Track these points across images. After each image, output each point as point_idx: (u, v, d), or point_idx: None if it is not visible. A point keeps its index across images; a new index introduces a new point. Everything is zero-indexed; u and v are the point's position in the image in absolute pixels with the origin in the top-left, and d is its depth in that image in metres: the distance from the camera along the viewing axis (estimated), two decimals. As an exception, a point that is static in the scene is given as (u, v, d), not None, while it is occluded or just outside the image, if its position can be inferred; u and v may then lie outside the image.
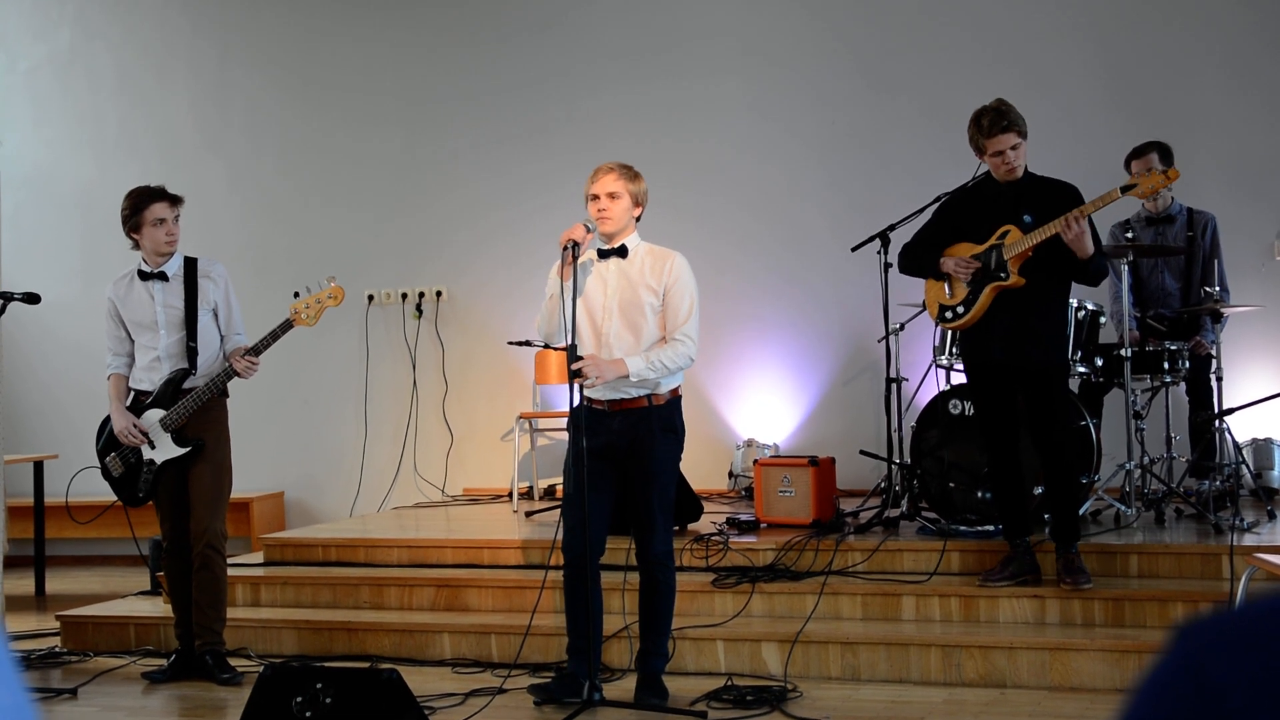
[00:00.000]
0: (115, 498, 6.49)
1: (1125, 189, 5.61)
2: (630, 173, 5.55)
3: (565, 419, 5.64)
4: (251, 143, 10.10)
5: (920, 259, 6.11)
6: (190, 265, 6.36)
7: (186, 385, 6.23)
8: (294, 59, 10.07)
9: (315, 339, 8.93)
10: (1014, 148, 5.79)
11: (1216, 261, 7.27)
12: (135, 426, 6.22)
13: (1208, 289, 7.07)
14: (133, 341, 6.35)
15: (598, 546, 5.51)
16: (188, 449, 6.23)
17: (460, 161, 9.68)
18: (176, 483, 6.28)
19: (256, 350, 6.17)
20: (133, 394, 6.33)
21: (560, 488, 8.79)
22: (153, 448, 6.25)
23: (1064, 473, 5.93)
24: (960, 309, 5.99)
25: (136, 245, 6.33)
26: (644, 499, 5.47)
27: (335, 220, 9.90)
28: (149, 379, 6.29)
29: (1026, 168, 5.91)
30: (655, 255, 5.54)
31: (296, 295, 6.31)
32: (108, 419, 6.36)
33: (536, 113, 9.49)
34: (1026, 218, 5.75)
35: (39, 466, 9.13)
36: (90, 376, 9.89)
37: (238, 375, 6.15)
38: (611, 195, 5.48)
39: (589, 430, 5.44)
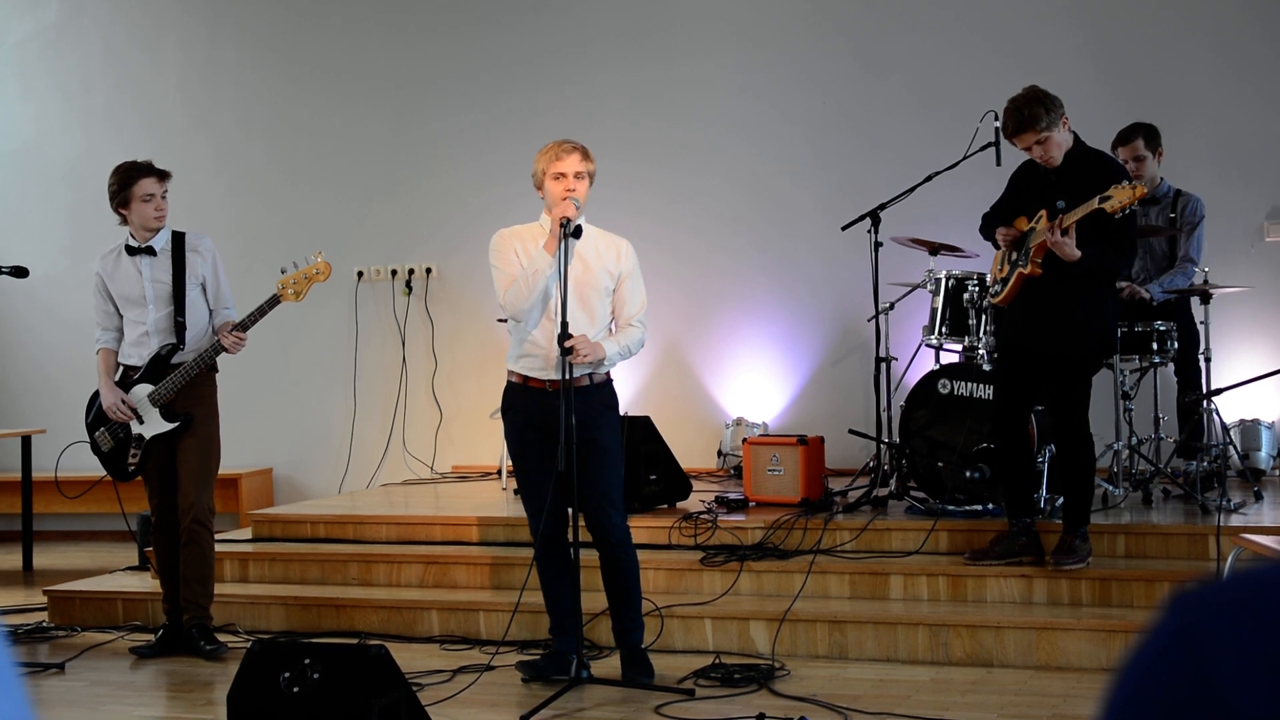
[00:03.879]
0: (104, 473, 6.48)
1: (1102, 200, 5.55)
2: (588, 153, 5.57)
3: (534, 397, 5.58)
4: (240, 122, 10.06)
5: (987, 227, 6.12)
6: (178, 239, 6.33)
7: (175, 360, 6.22)
8: (284, 39, 10.02)
9: (304, 315, 8.90)
10: (1039, 143, 5.73)
11: (1193, 238, 7.19)
12: (124, 402, 6.21)
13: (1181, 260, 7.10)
14: (121, 316, 6.32)
15: (564, 524, 5.51)
16: (176, 424, 6.22)
17: (450, 141, 9.64)
18: (165, 458, 6.27)
19: (244, 326, 6.15)
20: (121, 369, 6.31)
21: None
22: (141, 423, 6.23)
23: (1069, 461, 5.92)
24: (998, 288, 6.03)
25: (124, 220, 6.30)
26: (599, 480, 5.45)
27: (324, 199, 9.86)
28: (137, 354, 6.26)
29: (1078, 142, 5.83)
30: (607, 240, 5.60)
31: (283, 271, 6.29)
32: (96, 394, 6.34)
33: (527, 93, 9.45)
34: (1060, 203, 5.66)
35: (26, 441, 9.11)
36: (78, 351, 9.86)
37: (225, 351, 6.14)
38: (578, 175, 5.49)
39: (529, 410, 5.45)
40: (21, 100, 10.53)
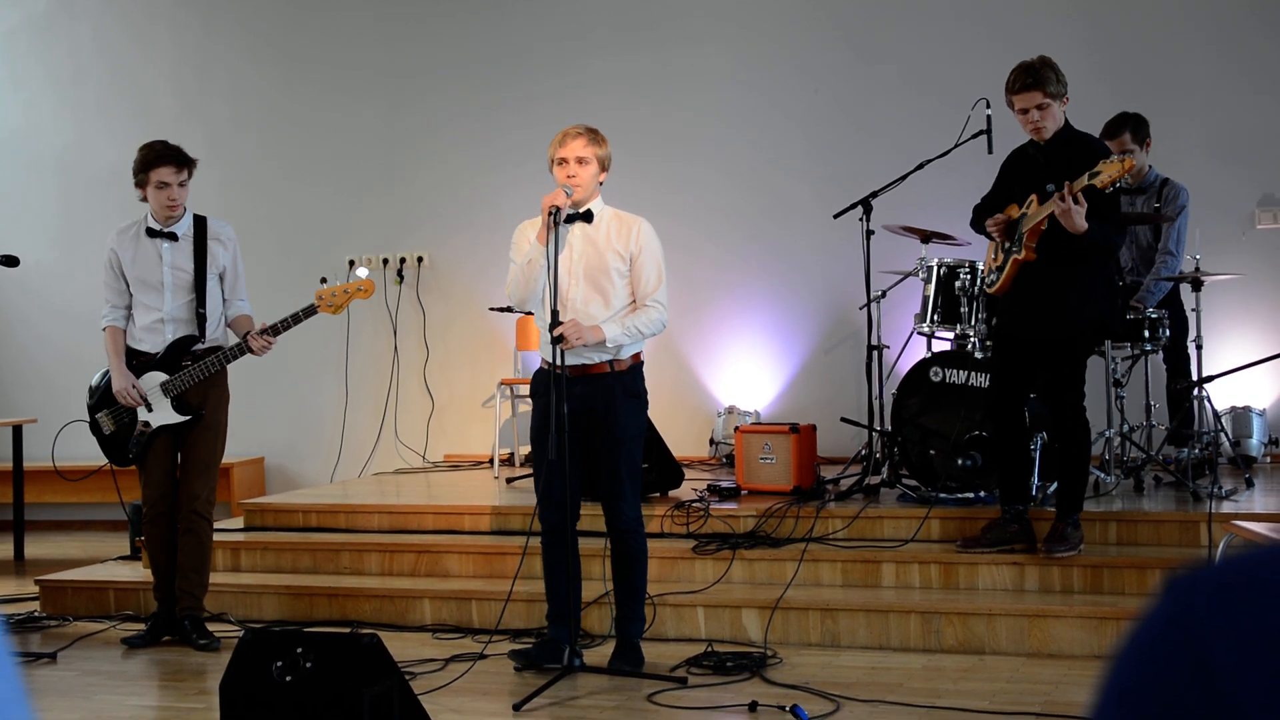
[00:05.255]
0: (100, 461, 6.39)
1: (1091, 176, 5.52)
2: (597, 137, 5.51)
3: (545, 384, 5.60)
4: (232, 111, 10.03)
5: (978, 219, 6.10)
6: (200, 225, 6.20)
7: (193, 350, 6.13)
8: (275, 28, 9.99)
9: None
10: (1039, 107, 5.67)
11: (1173, 229, 7.18)
12: (135, 388, 6.12)
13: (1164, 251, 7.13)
14: (131, 295, 6.20)
15: (573, 513, 5.51)
16: (188, 418, 6.13)
17: (443, 131, 9.63)
18: (168, 447, 6.18)
19: (275, 331, 6.04)
20: (127, 351, 6.20)
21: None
22: (149, 410, 6.15)
23: (1064, 447, 5.93)
24: (993, 277, 6.01)
25: (144, 198, 6.19)
26: (611, 466, 5.47)
27: (316, 189, 9.84)
28: (150, 340, 6.13)
29: (1068, 124, 5.79)
30: (621, 220, 5.53)
31: (323, 281, 6.26)
32: (103, 374, 6.20)
33: (519, 83, 9.44)
34: (1049, 186, 5.62)
35: (18, 430, 9.08)
36: (70, 340, 9.86)
37: (251, 353, 6.06)
38: (580, 160, 5.45)
39: (550, 395, 5.43)
40: (12, 89, 10.50)
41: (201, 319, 6.12)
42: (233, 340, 6.26)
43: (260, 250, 9.37)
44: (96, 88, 10.29)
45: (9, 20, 10.46)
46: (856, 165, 8.52)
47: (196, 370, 6.07)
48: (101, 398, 6.23)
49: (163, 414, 6.14)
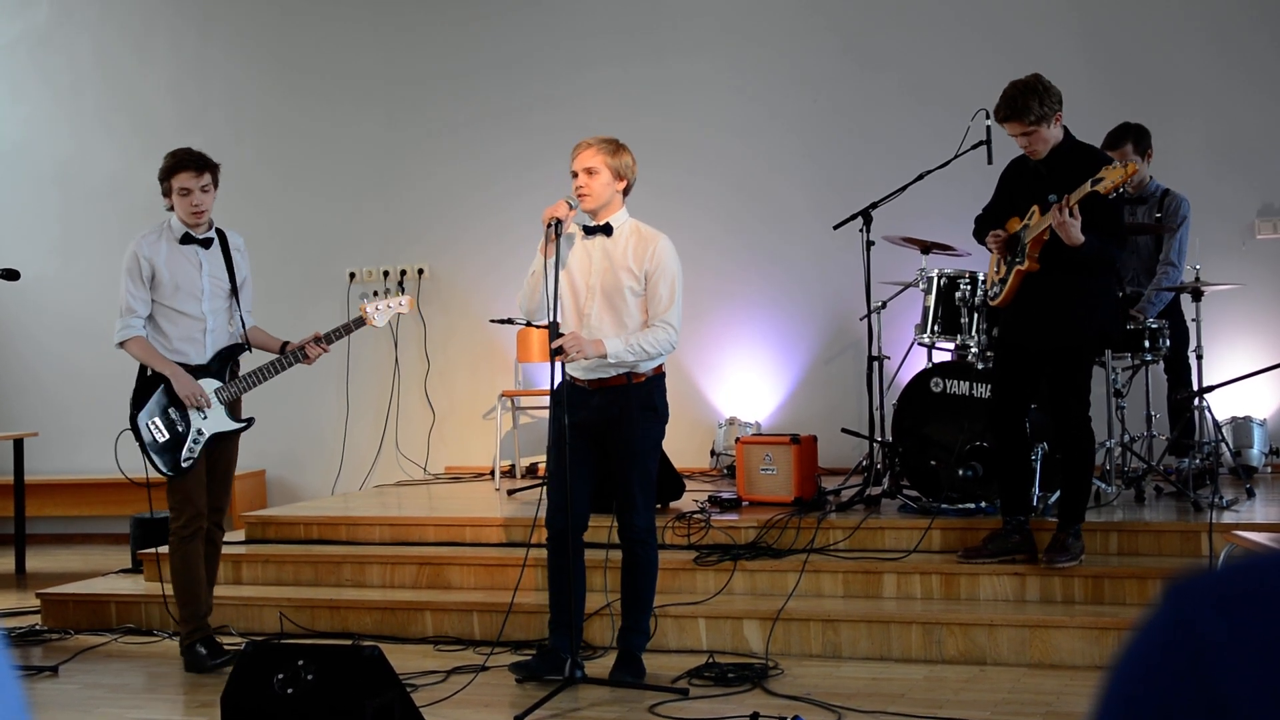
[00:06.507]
0: (140, 468, 6.19)
1: (1094, 182, 5.52)
2: (612, 146, 5.47)
3: (548, 396, 5.65)
4: (230, 122, 10.04)
5: (980, 230, 6.11)
6: (222, 236, 6.22)
7: (235, 359, 6.12)
8: (274, 39, 10.01)
9: (296, 316, 8.90)
10: (1025, 134, 5.69)
11: (1175, 239, 7.19)
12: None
13: (1167, 262, 7.13)
14: (154, 304, 6.02)
15: (580, 522, 5.53)
16: (242, 425, 6.10)
17: (442, 141, 9.64)
18: (205, 456, 6.05)
19: (329, 339, 6.09)
20: None
21: (543, 465, 8.80)
22: (204, 417, 6.05)
23: (1068, 457, 5.93)
24: (996, 289, 6.00)
25: (170, 206, 6.09)
26: (624, 477, 5.49)
27: (315, 200, 9.85)
28: (191, 350, 6.01)
29: (1068, 136, 5.81)
30: (641, 237, 5.49)
31: (363, 298, 6.35)
32: (147, 381, 6.02)
33: (518, 91, 9.45)
34: (1051, 196, 5.64)
35: (19, 444, 9.08)
36: (72, 353, 9.86)
37: (305, 361, 6.06)
38: (589, 171, 5.43)
39: (570, 407, 5.43)
40: (11, 102, 10.51)
41: (243, 327, 6.13)
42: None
43: (259, 261, 9.30)
44: (96, 100, 10.31)
45: (9, 33, 10.48)
46: (856, 175, 8.53)
47: (252, 378, 6.06)
48: (150, 405, 6.00)
49: (217, 421, 6.05)
